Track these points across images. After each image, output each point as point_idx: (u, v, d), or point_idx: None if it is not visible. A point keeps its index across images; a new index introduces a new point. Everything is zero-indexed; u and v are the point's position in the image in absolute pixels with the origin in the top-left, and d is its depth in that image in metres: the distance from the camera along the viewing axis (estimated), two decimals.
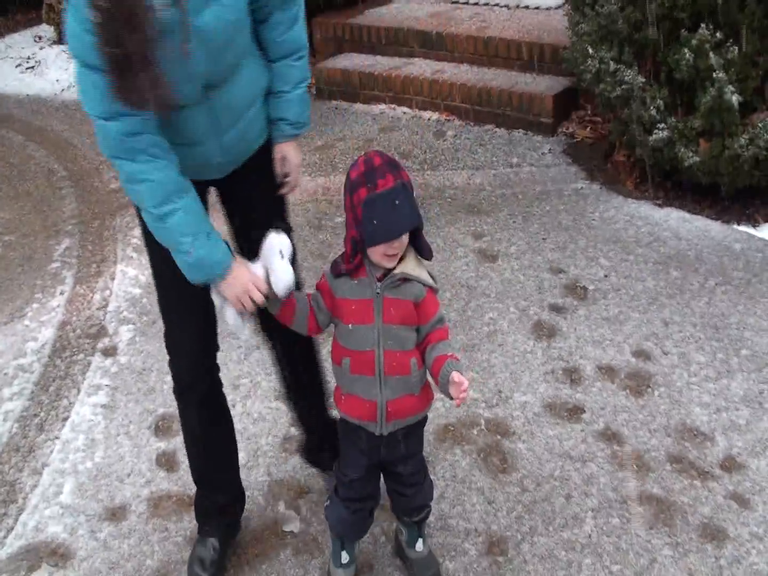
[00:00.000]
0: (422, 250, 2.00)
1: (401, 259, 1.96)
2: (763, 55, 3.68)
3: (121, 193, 4.91)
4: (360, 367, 2.02)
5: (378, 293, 1.97)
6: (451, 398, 1.92)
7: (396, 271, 1.96)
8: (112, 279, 4.01)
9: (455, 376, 1.88)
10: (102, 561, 2.51)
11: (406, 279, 1.97)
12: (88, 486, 2.80)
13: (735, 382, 2.99)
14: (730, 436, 2.76)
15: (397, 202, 1.85)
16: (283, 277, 1.97)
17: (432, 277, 2.03)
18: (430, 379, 2.06)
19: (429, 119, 5.44)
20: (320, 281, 2.06)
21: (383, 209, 1.84)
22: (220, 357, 3.37)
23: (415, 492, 2.22)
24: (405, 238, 1.92)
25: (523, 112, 5.10)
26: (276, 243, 1.99)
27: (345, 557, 2.30)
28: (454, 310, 3.48)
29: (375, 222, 1.84)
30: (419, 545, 2.33)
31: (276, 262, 1.97)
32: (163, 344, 2.28)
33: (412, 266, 1.98)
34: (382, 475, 2.23)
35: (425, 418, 2.18)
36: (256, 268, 2.00)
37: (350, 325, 2.00)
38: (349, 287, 1.99)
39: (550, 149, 4.87)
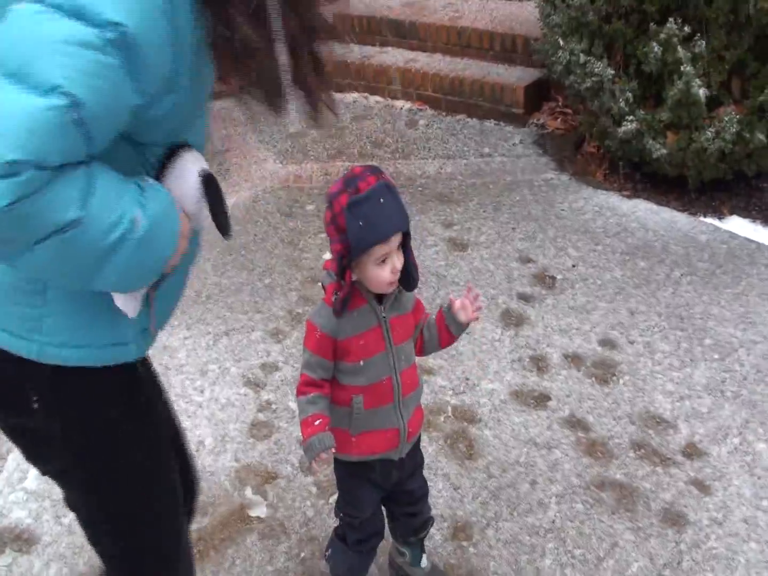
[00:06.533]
0: (409, 277, 1.79)
1: None
2: (729, 50, 3.73)
3: None
4: (377, 400, 1.84)
5: (384, 317, 1.80)
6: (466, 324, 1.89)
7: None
8: None
9: (459, 301, 1.86)
10: (67, 545, 2.50)
11: (401, 290, 1.83)
12: None
13: (698, 370, 3.04)
14: (693, 424, 2.81)
15: (382, 200, 1.64)
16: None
17: None
18: None
19: (401, 108, 5.44)
20: (314, 338, 1.78)
21: (368, 209, 1.62)
22: (189, 343, 3.36)
23: (423, 505, 2.12)
24: (401, 255, 1.73)
25: (494, 103, 5.12)
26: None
27: None
28: (423, 299, 3.43)
29: (361, 224, 1.61)
30: (424, 561, 2.23)
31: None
32: None
33: None
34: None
35: None
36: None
37: (361, 362, 1.80)
38: (351, 323, 1.77)
39: (521, 140, 4.90)
